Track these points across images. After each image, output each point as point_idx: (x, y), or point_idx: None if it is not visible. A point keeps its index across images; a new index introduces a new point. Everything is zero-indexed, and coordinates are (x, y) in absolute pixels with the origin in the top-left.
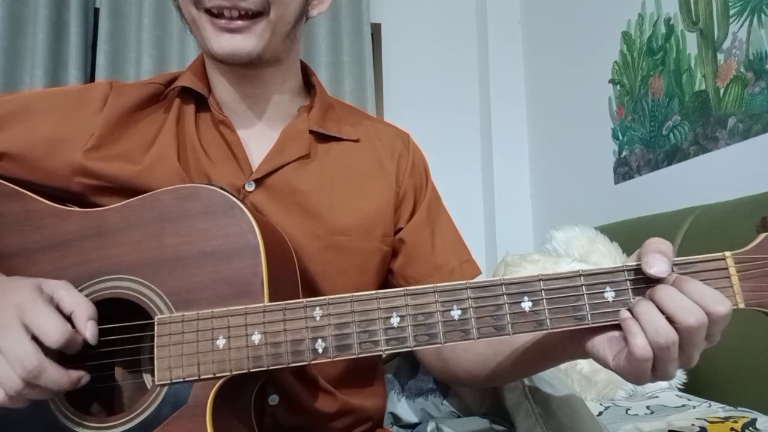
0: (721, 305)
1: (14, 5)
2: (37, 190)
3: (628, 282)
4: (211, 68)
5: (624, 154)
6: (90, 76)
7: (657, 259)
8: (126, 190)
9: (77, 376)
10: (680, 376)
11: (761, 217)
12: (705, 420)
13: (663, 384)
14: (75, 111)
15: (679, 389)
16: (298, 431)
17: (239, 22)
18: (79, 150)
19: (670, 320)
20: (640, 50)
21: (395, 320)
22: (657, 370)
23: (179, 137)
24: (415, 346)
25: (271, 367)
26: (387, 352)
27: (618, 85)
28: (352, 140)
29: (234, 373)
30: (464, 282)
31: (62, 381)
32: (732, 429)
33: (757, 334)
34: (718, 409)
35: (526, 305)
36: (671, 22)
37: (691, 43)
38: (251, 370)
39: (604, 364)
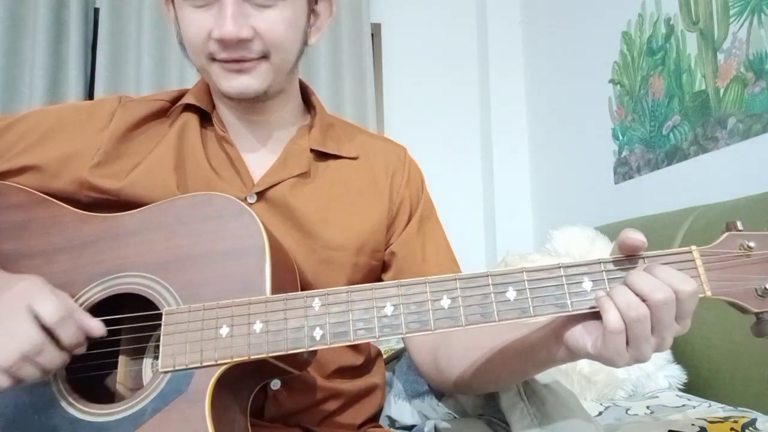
0: (687, 284)
1: (14, 5)
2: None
3: (604, 273)
4: (216, 96)
5: (624, 154)
6: (90, 76)
7: (635, 232)
8: (123, 204)
9: (68, 355)
10: (680, 376)
11: (725, 223)
12: (705, 420)
13: (663, 384)
14: (83, 127)
15: (679, 389)
16: (301, 413)
17: (245, 64)
18: (87, 165)
19: (642, 298)
20: (640, 50)
21: (389, 309)
22: (632, 347)
23: (181, 149)
24: (408, 332)
25: (270, 354)
26: (381, 339)
27: (618, 85)
28: (351, 158)
29: (235, 359)
30: (453, 274)
31: (57, 361)
32: (732, 429)
33: None
34: (718, 409)
35: (511, 294)
36: (671, 22)
37: (691, 43)
38: (251, 357)
39: (584, 352)
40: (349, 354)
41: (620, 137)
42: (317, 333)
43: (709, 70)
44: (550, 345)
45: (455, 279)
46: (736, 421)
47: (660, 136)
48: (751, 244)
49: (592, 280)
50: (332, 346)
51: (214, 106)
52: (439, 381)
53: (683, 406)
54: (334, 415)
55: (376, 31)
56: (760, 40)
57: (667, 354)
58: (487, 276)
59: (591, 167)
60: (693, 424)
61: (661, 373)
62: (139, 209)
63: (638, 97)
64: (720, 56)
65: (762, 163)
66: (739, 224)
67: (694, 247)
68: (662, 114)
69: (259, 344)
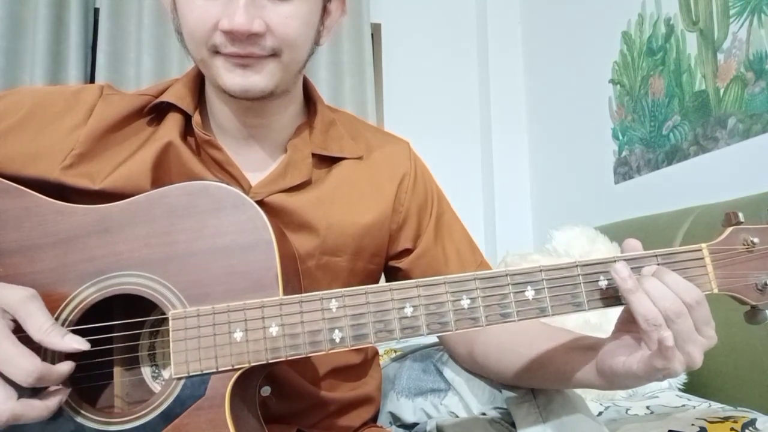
0: (688, 295)
1: (14, 5)
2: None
3: None
4: (211, 92)
5: (624, 154)
6: (90, 76)
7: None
8: (98, 198)
9: (57, 403)
10: (680, 376)
11: (725, 213)
12: (705, 420)
13: (663, 384)
14: (59, 120)
15: (679, 389)
16: (292, 416)
17: (251, 59)
18: (57, 167)
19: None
20: (640, 50)
21: (408, 310)
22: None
23: (167, 153)
24: (429, 333)
25: (289, 357)
26: (402, 339)
27: (618, 85)
28: (355, 158)
29: (252, 364)
30: (472, 273)
31: (42, 415)
32: (732, 429)
33: (757, 334)
34: (718, 409)
35: (530, 294)
36: (671, 22)
37: (691, 43)
38: (269, 361)
39: (631, 374)
40: (345, 353)
41: (620, 137)
42: (336, 335)
43: (709, 70)
44: (590, 373)
45: (474, 279)
46: (736, 421)
47: (660, 136)
48: (755, 239)
49: (608, 279)
50: (352, 348)
51: (197, 105)
52: (477, 371)
53: (683, 406)
54: (329, 418)
55: (376, 31)
56: (760, 40)
57: None
58: (506, 275)
59: (591, 167)
60: (693, 424)
61: None
62: (127, 200)
63: (638, 97)
64: (720, 56)
65: (762, 163)
66: (740, 215)
67: (703, 245)
68: (662, 114)
69: (276, 348)
